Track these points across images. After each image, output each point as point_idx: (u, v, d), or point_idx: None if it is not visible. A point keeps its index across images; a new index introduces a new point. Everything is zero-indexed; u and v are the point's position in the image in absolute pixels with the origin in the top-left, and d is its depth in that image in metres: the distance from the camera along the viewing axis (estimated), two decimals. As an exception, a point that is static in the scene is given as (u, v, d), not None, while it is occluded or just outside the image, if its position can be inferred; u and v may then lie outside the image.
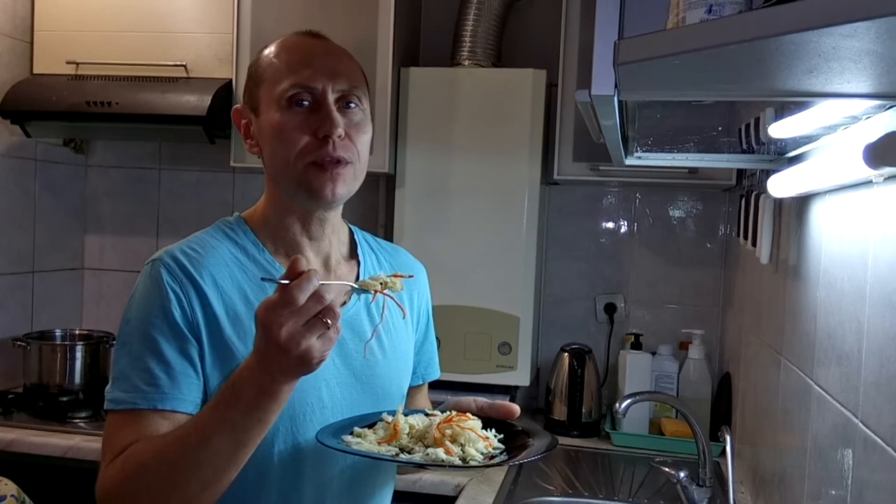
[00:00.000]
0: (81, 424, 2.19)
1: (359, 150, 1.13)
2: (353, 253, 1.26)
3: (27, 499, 1.64)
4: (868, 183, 1.07)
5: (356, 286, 1.09)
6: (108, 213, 2.82)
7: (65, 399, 2.30)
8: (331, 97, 1.11)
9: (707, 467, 1.64)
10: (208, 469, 0.96)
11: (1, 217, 2.44)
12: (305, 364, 0.91)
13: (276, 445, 1.08)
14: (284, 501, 1.11)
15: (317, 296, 0.90)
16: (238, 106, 1.21)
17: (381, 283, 1.10)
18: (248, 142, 1.18)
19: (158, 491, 0.98)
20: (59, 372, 2.36)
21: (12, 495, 1.61)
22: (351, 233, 1.29)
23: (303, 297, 0.89)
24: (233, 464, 0.97)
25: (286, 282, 0.89)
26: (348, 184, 1.13)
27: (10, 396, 2.32)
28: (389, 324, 1.23)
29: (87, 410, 2.26)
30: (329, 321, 0.91)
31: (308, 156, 1.10)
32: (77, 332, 2.61)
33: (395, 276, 1.13)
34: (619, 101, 0.83)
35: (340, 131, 1.10)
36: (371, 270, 1.25)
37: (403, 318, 1.25)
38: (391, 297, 1.13)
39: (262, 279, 1.05)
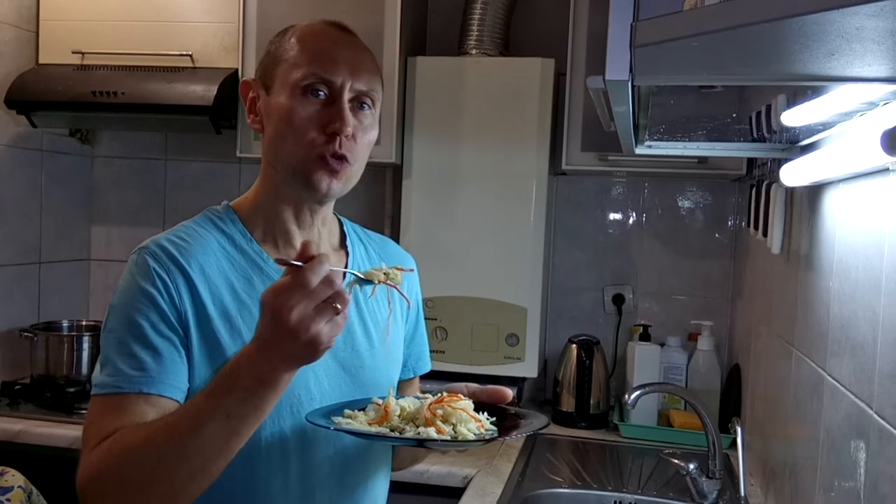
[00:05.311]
0: (88, 415, 2.19)
1: (359, 151, 1.12)
2: (342, 244, 1.26)
3: (34, 490, 1.63)
4: (885, 171, 1.06)
5: (361, 275, 1.07)
6: (115, 204, 2.81)
7: (72, 390, 2.30)
8: (346, 94, 1.10)
9: (717, 459, 1.63)
10: (198, 457, 0.93)
11: (7, 208, 2.44)
12: (312, 349, 0.90)
13: (263, 437, 1.07)
14: (272, 490, 1.10)
15: (328, 280, 0.89)
16: (248, 79, 1.18)
17: (384, 274, 1.09)
18: (251, 116, 1.17)
19: (144, 479, 0.94)
20: (66, 363, 2.36)
21: (19, 486, 1.60)
22: (340, 224, 1.28)
23: (315, 280, 0.87)
24: (224, 453, 0.95)
25: (299, 263, 0.88)
26: (344, 182, 1.12)
27: (17, 387, 2.32)
28: (377, 315, 1.22)
29: (94, 401, 2.25)
30: (339, 306, 0.90)
31: (313, 149, 1.09)
32: (84, 322, 2.61)
33: (396, 268, 1.11)
34: (633, 87, 0.82)
35: (349, 130, 1.09)
36: (359, 261, 1.25)
37: (408, 307, 1.27)
38: (395, 287, 1.11)
39: (277, 260, 0.99)
